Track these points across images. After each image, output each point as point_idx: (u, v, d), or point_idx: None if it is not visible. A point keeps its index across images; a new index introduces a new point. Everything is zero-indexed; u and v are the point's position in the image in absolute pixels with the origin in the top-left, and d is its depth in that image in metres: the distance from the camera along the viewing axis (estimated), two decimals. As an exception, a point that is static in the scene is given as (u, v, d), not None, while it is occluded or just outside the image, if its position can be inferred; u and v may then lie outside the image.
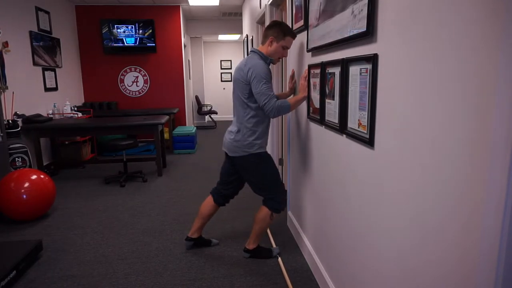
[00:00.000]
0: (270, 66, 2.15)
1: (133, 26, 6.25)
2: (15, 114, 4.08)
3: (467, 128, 0.84)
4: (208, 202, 2.44)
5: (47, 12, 5.04)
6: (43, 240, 2.71)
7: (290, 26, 2.57)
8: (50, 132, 4.34)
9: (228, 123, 9.76)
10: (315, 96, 2.03)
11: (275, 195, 2.22)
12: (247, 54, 2.23)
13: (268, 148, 3.81)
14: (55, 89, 5.25)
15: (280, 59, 2.19)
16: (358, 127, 1.44)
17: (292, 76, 2.54)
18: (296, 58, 2.50)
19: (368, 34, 1.30)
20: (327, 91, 1.82)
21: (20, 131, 3.96)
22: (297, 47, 2.44)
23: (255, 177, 2.22)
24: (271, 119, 2.20)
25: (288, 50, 2.24)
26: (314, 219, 2.20)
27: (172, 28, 6.54)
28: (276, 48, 2.12)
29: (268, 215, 2.24)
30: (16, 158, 3.76)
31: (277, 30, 2.11)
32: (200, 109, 9.22)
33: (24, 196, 2.92)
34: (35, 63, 4.67)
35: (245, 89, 2.08)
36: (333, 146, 1.81)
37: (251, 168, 2.19)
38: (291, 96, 2.48)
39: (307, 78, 2.17)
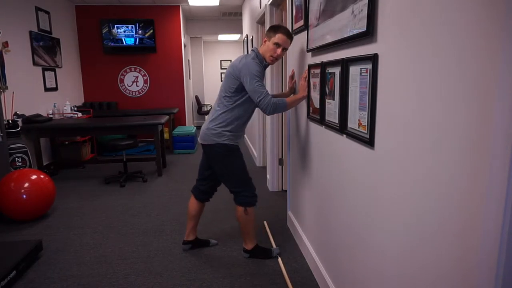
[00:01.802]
0: (270, 66, 2.16)
1: (133, 26, 6.25)
2: (15, 114, 4.08)
3: (468, 128, 0.83)
4: (192, 201, 2.47)
5: (47, 12, 5.04)
6: (43, 240, 2.71)
7: (290, 26, 2.57)
8: (50, 132, 4.34)
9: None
10: (315, 96, 2.03)
11: (242, 189, 2.24)
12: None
13: (268, 148, 3.82)
14: (55, 89, 5.25)
15: (275, 60, 2.19)
16: (358, 127, 1.44)
17: (292, 76, 2.55)
18: (296, 58, 2.50)
19: (368, 34, 1.30)
20: (327, 91, 1.82)
21: (20, 131, 3.96)
22: (297, 47, 2.44)
23: (221, 168, 2.24)
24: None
25: (287, 51, 2.23)
26: (314, 219, 2.20)
27: (172, 28, 6.54)
28: (268, 45, 2.16)
29: (242, 212, 2.26)
30: (16, 158, 3.76)
31: (270, 30, 2.18)
32: (200, 109, 9.22)
33: (24, 196, 2.92)
34: (35, 63, 4.67)
35: (234, 84, 2.13)
36: (333, 146, 1.80)
37: (218, 159, 2.22)
38: (291, 96, 2.48)
39: (307, 78, 2.18)
